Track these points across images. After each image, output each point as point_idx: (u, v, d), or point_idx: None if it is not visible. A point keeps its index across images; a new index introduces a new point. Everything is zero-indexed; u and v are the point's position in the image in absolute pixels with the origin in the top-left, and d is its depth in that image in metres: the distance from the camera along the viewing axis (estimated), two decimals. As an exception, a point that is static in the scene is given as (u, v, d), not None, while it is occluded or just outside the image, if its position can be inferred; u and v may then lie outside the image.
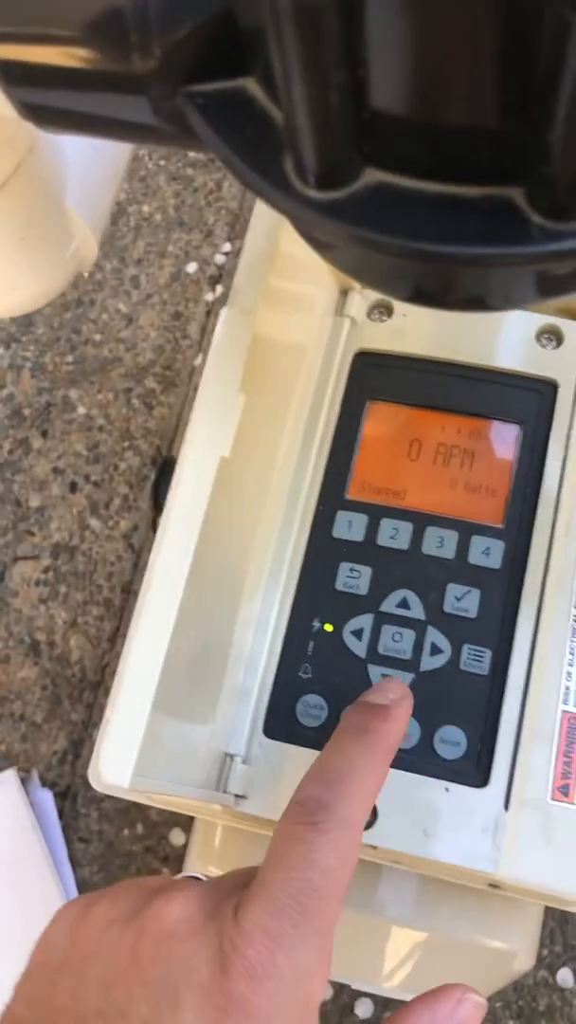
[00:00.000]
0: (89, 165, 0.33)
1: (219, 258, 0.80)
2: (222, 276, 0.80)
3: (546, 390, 0.37)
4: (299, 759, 0.34)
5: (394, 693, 0.30)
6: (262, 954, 0.23)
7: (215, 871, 0.44)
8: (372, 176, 0.18)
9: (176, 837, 0.67)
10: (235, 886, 0.26)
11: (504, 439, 0.37)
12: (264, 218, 0.32)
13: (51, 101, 0.21)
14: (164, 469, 0.56)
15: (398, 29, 0.15)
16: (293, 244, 0.34)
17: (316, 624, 0.36)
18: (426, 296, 0.23)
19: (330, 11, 0.15)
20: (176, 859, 0.67)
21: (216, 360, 0.29)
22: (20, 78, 0.20)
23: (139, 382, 0.76)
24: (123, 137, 0.22)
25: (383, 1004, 0.62)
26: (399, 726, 0.29)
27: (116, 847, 0.67)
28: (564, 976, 0.62)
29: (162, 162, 0.84)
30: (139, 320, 0.78)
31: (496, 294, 0.22)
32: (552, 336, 0.38)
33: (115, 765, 0.25)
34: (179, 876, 0.28)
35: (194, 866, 0.46)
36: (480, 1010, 0.26)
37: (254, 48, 0.18)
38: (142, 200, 0.82)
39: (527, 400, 0.37)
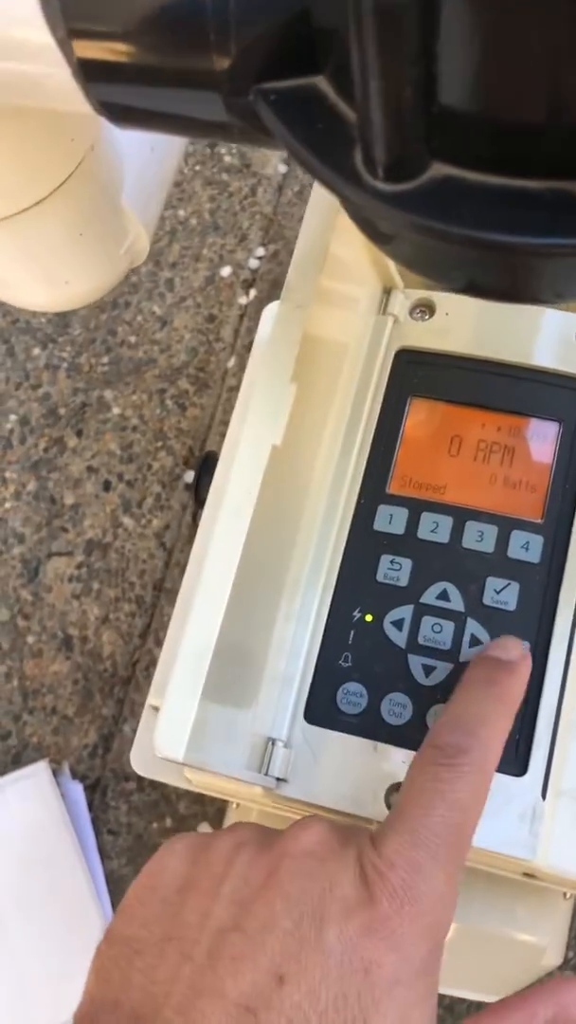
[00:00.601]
0: (144, 165, 0.34)
1: (253, 262, 0.81)
2: (255, 280, 0.81)
3: (585, 388, 0.38)
4: (339, 744, 0.35)
5: (516, 651, 0.32)
6: (404, 880, 0.24)
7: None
8: (439, 170, 0.19)
9: (204, 831, 0.68)
10: (355, 827, 0.27)
11: (543, 436, 0.38)
12: (316, 218, 0.33)
13: (128, 98, 0.22)
14: (205, 464, 0.57)
15: (470, 26, 0.16)
16: (340, 246, 0.35)
17: (357, 614, 0.36)
18: (479, 288, 0.24)
19: (410, 10, 0.16)
20: (204, 853, 0.68)
21: (268, 353, 0.30)
22: (100, 75, 0.21)
23: (173, 383, 0.77)
24: (195, 133, 0.23)
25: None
26: (523, 682, 0.31)
27: (145, 840, 0.68)
28: (589, 978, 0.62)
29: (198, 167, 0.85)
30: (173, 322, 0.79)
31: (549, 288, 0.23)
32: (591, 336, 0.38)
33: (170, 739, 0.26)
34: None
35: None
36: None
37: (327, 47, 0.19)
38: (178, 205, 0.84)
39: (566, 398, 0.38)
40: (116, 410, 0.77)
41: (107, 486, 0.75)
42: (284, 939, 0.23)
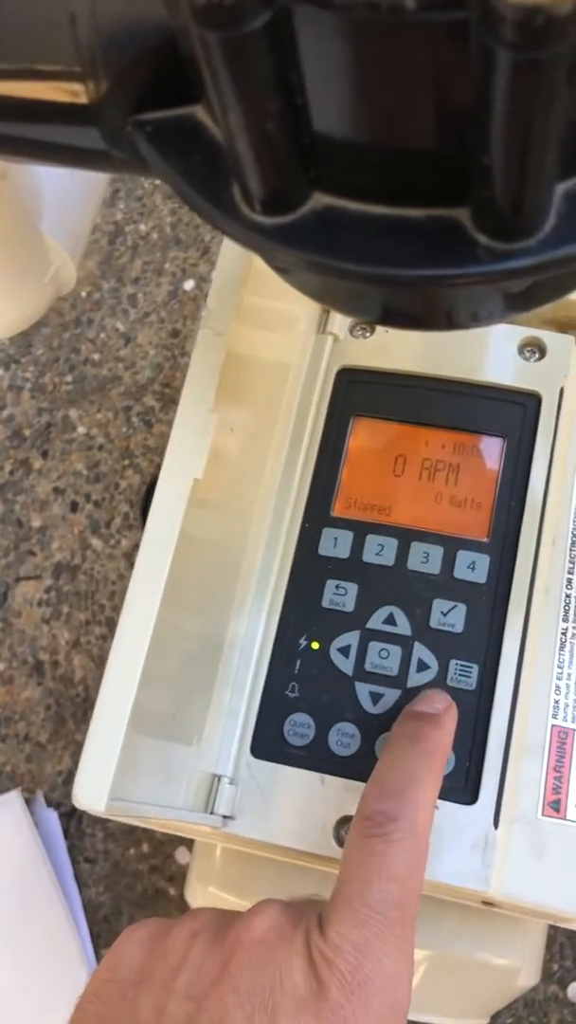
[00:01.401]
0: (64, 191, 0.33)
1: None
2: (219, 293, 0.80)
3: (529, 403, 0.37)
4: (287, 779, 0.34)
5: (441, 703, 0.32)
6: (351, 964, 0.24)
7: (216, 891, 0.44)
8: (319, 200, 0.18)
9: (182, 856, 0.67)
10: (308, 905, 0.27)
11: (488, 453, 0.37)
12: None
13: (4, 130, 0.21)
14: (150, 489, 0.56)
15: (329, 59, 0.15)
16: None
17: (303, 642, 0.36)
18: (394, 318, 0.23)
19: (259, 41, 0.15)
20: (182, 877, 0.67)
21: (191, 383, 0.29)
22: (-27, 111, 0.20)
23: (138, 400, 0.77)
24: (79, 164, 0.22)
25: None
26: (449, 733, 0.31)
27: (122, 866, 0.67)
28: (575, 991, 0.62)
29: (157, 181, 0.84)
30: (137, 339, 0.78)
31: (463, 313, 0.22)
32: (535, 349, 0.38)
33: (91, 789, 0.25)
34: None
35: (195, 888, 0.46)
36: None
37: (198, 75, 0.18)
38: (139, 219, 0.83)
39: (511, 413, 0.37)
40: (82, 429, 0.76)
41: (74, 507, 0.74)
42: None
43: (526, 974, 0.45)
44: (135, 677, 0.27)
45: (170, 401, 0.77)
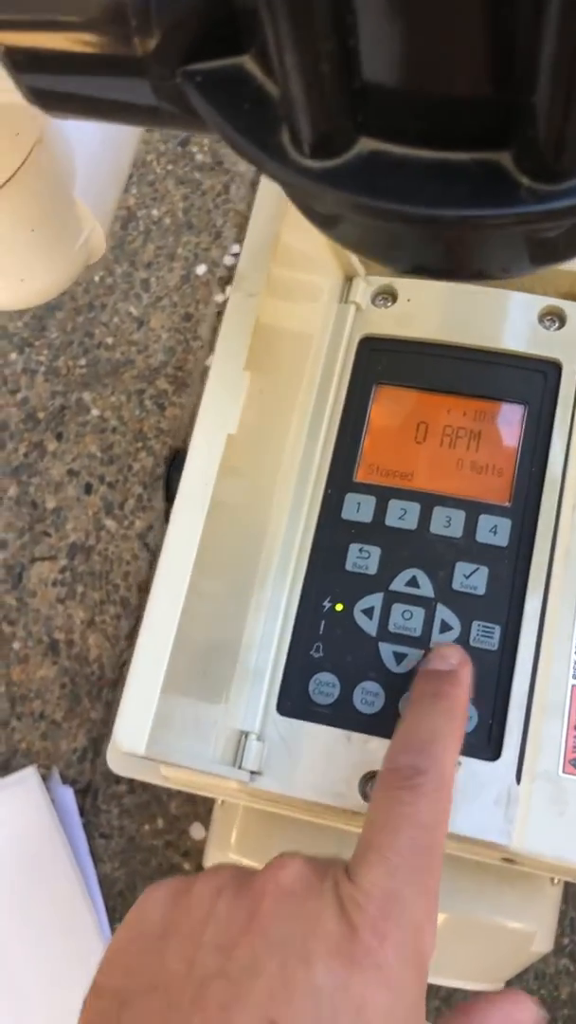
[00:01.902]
0: (96, 158, 0.34)
1: (228, 260, 0.81)
2: (231, 277, 0.81)
3: (550, 371, 0.38)
4: (312, 735, 0.34)
5: (455, 658, 0.32)
6: (383, 910, 0.24)
7: (236, 857, 0.44)
8: (366, 145, 0.19)
9: (196, 831, 0.67)
10: (331, 860, 0.27)
11: (509, 420, 0.38)
12: (265, 209, 0.33)
13: (56, 86, 0.21)
14: (175, 461, 0.57)
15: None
16: (294, 235, 0.35)
17: (327, 604, 0.36)
18: (425, 267, 0.24)
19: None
20: (197, 853, 0.67)
21: (223, 343, 0.30)
22: (26, 64, 0.21)
23: (151, 383, 0.77)
24: (127, 119, 0.22)
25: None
26: (467, 688, 0.31)
27: (137, 842, 0.68)
28: (586, 964, 0.62)
29: (170, 166, 0.85)
30: (150, 322, 0.79)
31: (493, 263, 0.23)
32: (555, 318, 0.38)
33: (131, 733, 0.26)
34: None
35: (214, 856, 0.46)
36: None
37: (250, 26, 0.19)
38: (151, 204, 0.83)
39: (531, 381, 0.38)
40: (95, 412, 0.77)
41: (88, 489, 0.75)
42: (271, 983, 0.23)
43: (541, 939, 0.46)
44: (171, 633, 0.28)
45: (182, 384, 0.78)
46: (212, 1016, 0.23)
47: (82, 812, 0.68)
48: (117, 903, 0.66)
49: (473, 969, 0.48)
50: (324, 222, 0.23)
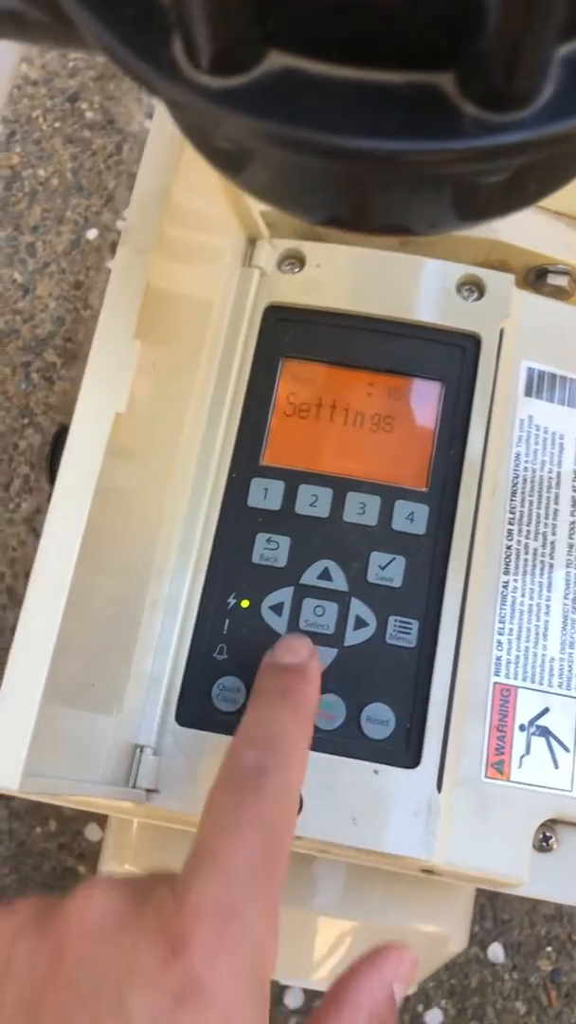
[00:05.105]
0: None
1: (121, 224, 0.76)
2: (125, 243, 0.76)
3: (468, 344, 0.35)
4: (216, 747, 0.31)
5: (304, 651, 0.29)
6: (219, 929, 0.21)
7: (132, 869, 0.41)
8: (277, 60, 0.15)
9: (92, 832, 0.64)
10: (152, 880, 0.23)
11: (426, 397, 0.35)
12: (157, 156, 0.29)
13: None
14: (59, 438, 0.52)
15: None
16: (190, 193, 0.31)
17: (232, 601, 0.33)
18: (342, 218, 0.20)
19: None
20: (92, 856, 0.64)
21: (109, 307, 0.26)
22: None
23: (38, 355, 0.72)
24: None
25: (313, 994, 0.60)
26: (316, 685, 0.29)
27: (28, 846, 0.64)
28: (495, 952, 0.61)
29: (58, 124, 0.79)
30: (36, 290, 0.74)
31: (419, 214, 0.20)
32: (474, 287, 0.36)
33: (3, 765, 0.22)
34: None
35: (109, 865, 0.43)
36: (416, 966, 0.26)
37: None
38: (37, 164, 0.78)
39: (449, 355, 0.35)
40: (-23, 387, 0.71)
41: (-29, 469, 0.70)
42: None
43: (455, 941, 0.44)
44: (49, 643, 0.24)
45: (72, 357, 0.73)
46: None
47: (-32, 817, 0.63)
48: (7, 913, 0.62)
49: (386, 973, 0.46)
50: (225, 160, 0.19)
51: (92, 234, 0.75)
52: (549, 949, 0.62)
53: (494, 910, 0.63)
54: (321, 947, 0.42)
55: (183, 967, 0.20)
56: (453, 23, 0.14)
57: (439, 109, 0.15)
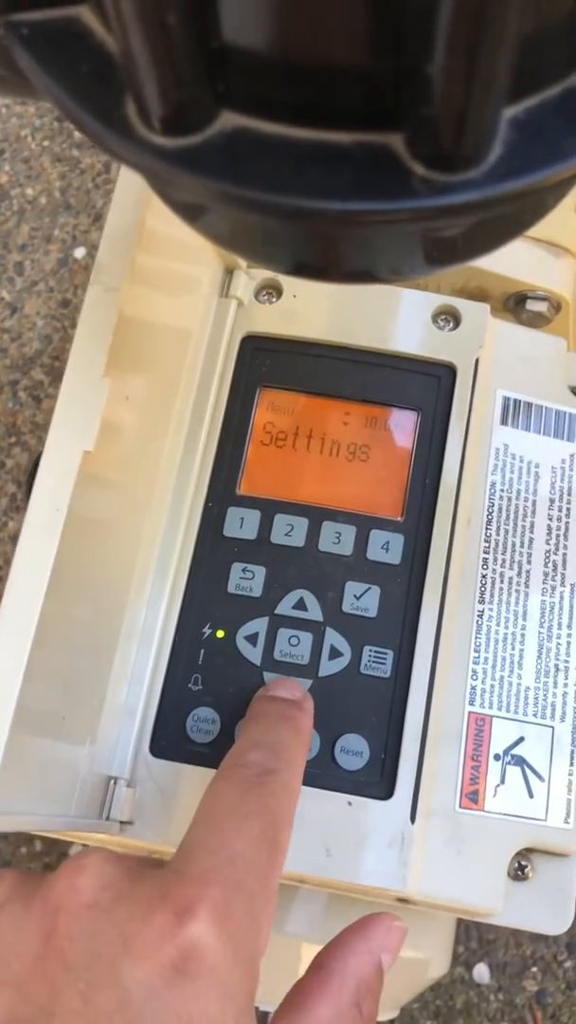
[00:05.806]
0: None
1: (109, 243, 0.77)
2: (113, 262, 0.76)
3: (444, 374, 0.35)
4: (190, 779, 0.31)
5: (297, 691, 0.30)
6: (222, 897, 0.20)
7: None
8: (229, 120, 0.15)
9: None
10: (147, 860, 0.23)
11: (402, 426, 0.35)
12: (129, 189, 0.29)
13: None
14: (36, 465, 0.52)
15: None
16: (165, 220, 0.31)
17: (207, 631, 0.33)
18: (309, 268, 0.21)
19: None
20: (78, 877, 0.63)
21: (78, 347, 0.26)
22: None
23: (26, 374, 0.72)
24: None
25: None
26: (311, 719, 0.30)
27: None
28: (480, 972, 0.61)
29: (46, 143, 0.79)
30: (24, 309, 0.74)
31: (382, 263, 0.20)
32: (449, 318, 0.36)
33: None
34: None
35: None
36: (404, 935, 0.26)
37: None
38: (25, 183, 0.78)
39: (425, 385, 0.35)
40: (-35, 405, 0.71)
41: (-42, 488, 0.70)
42: (76, 1021, 0.19)
43: (436, 965, 0.44)
44: (18, 673, 0.24)
45: (60, 375, 0.73)
46: None
47: (-48, 837, 0.63)
48: (-9, 934, 0.62)
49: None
50: (187, 213, 0.19)
51: (80, 253, 0.76)
52: (535, 969, 0.62)
53: (479, 930, 0.62)
54: (301, 972, 0.42)
55: (186, 935, 0.19)
56: (401, 87, 0.14)
57: (389, 169, 0.15)
